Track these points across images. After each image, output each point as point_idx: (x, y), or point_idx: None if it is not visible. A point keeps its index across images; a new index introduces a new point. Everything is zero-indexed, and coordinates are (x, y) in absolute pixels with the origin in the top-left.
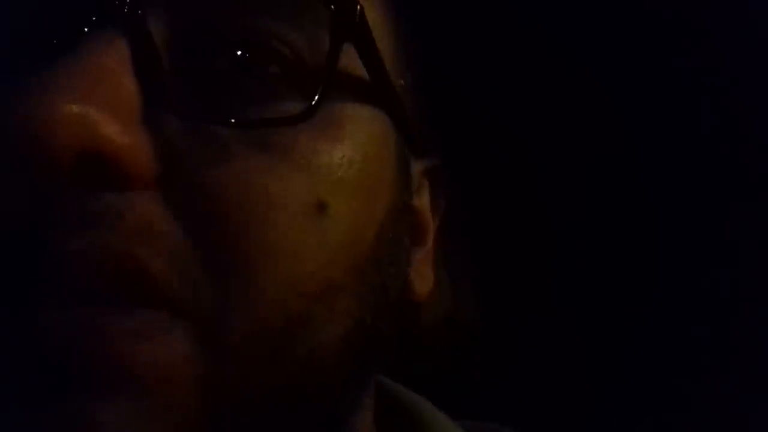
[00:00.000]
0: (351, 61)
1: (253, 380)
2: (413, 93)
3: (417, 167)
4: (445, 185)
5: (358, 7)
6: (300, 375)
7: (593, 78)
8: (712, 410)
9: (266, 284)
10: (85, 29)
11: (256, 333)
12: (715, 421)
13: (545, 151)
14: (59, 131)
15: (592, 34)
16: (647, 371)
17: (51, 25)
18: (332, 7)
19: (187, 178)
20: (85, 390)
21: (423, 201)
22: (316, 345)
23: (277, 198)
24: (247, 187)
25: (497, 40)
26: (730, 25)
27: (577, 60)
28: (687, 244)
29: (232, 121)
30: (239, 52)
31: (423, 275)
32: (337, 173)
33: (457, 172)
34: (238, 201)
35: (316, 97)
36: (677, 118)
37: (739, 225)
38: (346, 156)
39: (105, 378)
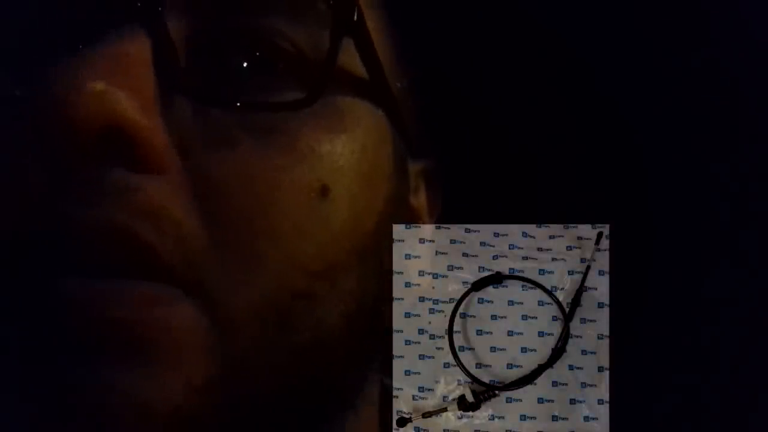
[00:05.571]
0: (350, 59)
1: (260, 351)
2: (410, 97)
3: (414, 167)
4: (442, 186)
5: (357, 5)
6: (304, 347)
7: (593, 79)
8: None
9: (273, 264)
10: (111, 24)
11: (264, 309)
12: None
13: (542, 154)
14: (84, 104)
15: (591, 34)
16: None
17: (82, 19)
18: (331, 2)
19: (197, 163)
20: (102, 354)
21: (420, 201)
22: (318, 320)
23: (282, 182)
24: (254, 172)
25: (492, 44)
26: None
27: (571, 58)
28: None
29: (237, 104)
30: (247, 49)
31: None
32: (339, 161)
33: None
34: (245, 186)
35: (316, 86)
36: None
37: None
38: (347, 146)
39: (121, 342)
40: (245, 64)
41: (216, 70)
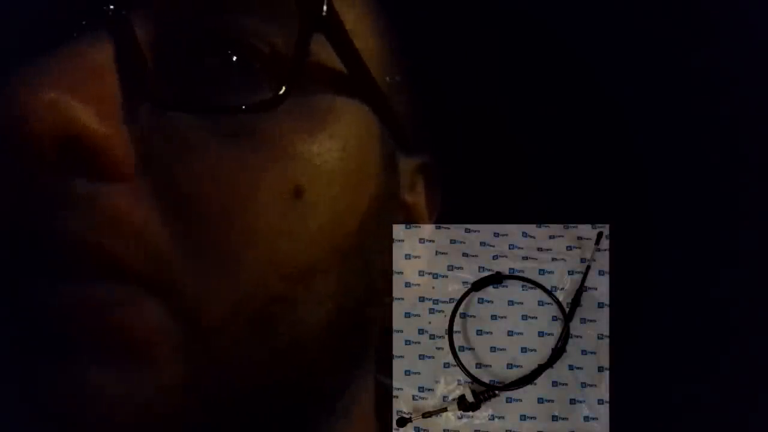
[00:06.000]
0: (328, 55)
1: (234, 355)
2: (404, 92)
3: (409, 164)
4: (441, 182)
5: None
6: (281, 352)
7: (586, 75)
8: None
9: (246, 267)
10: (76, 30)
11: (237, 312)
12: None
13: (537, 148)
14: (42, 116)
15: (591, 32)
16: None
17: (46, 26)
18: None
19: (164, 169)
20: (73, 354)
21: (418, 197)
22: (296, 323)
23: (252, 185)
24: (223, 176)
25: (489, 41)
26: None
27: (571, 57)
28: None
29: (206, 107)
30: (220, 50)
31: None
32: (315, 161)
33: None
34: (214, 190)
35: (285, 86)
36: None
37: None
38: (325, 145)
39: (93, 344)
40: (219, 66)
41: (187, 73)
